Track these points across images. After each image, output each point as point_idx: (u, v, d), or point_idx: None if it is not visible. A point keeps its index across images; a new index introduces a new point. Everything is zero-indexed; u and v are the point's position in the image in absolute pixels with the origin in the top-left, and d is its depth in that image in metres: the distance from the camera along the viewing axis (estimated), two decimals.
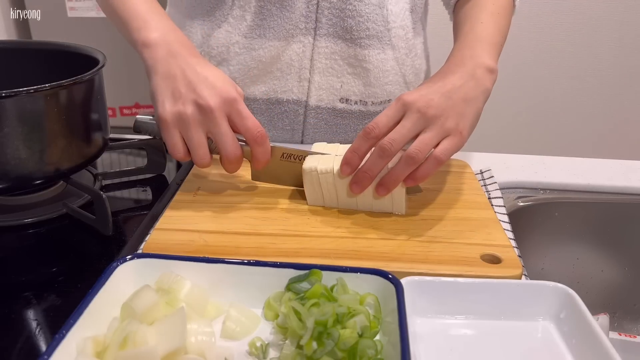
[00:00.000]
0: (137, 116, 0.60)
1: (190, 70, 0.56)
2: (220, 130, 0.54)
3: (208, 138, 0.56)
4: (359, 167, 0.56)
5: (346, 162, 0.56)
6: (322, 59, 0.77)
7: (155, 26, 0.59)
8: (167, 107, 0.55)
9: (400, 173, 0.54)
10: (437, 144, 0.54)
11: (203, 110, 0.54)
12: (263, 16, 0.74)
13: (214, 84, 0.55)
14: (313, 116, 0.81)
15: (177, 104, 0.54)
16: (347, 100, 0.80)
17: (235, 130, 0.56)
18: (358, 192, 0.56)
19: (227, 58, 0.77)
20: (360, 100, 0.80)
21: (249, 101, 0.81)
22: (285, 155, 0.61)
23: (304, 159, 0.60)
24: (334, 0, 0.73)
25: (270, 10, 0.74)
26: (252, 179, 0.64)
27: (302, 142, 0.84)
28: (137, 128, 0.60)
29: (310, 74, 0.77)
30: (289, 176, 0.63)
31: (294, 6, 0.73)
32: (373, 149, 0.55)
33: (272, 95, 0.80)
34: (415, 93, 0.55)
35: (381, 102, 0.81)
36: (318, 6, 0.73)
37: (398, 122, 0.54)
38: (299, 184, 0.61)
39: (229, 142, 0.55)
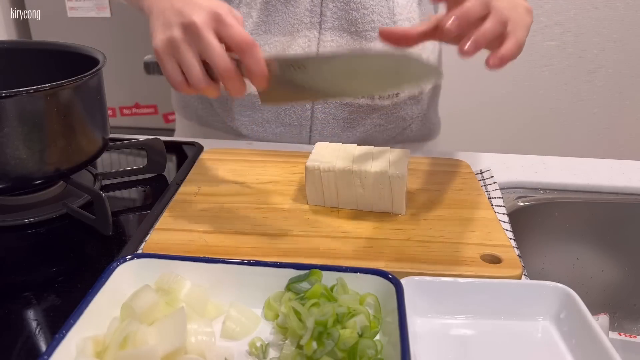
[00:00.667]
0: (146, 57, 0.59)
1: (178, 0, 0.55)
2: (205, 43, 0.52)
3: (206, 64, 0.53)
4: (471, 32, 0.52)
5: (455, 18, 0.51)
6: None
7: None
8: (158, 37, 0.54)
9: (492, 29, 0.52)
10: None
11: (188, 28, 0.52)
12: (268, 12, 0.75)
13: (200, 3, 0.53)
14: (320, 111, 0.81)
15: (166, 31, 0.53)
16: None
17: (225, 45, 0.53)
18: (471, 53, 0.52)
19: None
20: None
21: (256, 97, 0.80)
22: (283, 65, 0.54)
23: (304, 68, 0.54)
24: None
25: (275, 6, 0.74)
26: (262, 102, 0.58)
27: (310, 140, 0.83)
28: (147, 67, 0.59)
29: None
30: (297, 89, 0.55)
31: (298, 0, 0.74)
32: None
33: None
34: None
35: (388, 95, 0.80)
36: (322, 0, 0.74)
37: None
38: (311, 95, 0.59)
39: (214, 53, 0.52)
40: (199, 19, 0.52)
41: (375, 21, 0.75)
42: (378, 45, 0.76)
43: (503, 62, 0.54)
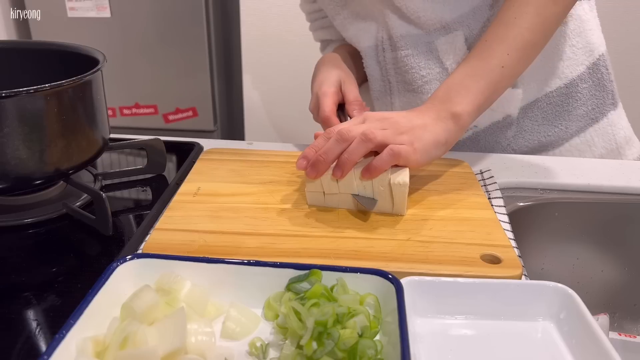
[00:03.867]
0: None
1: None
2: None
3: None
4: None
5: (303, 156, 0.58)
6: None
7: (325, 66, 0.80)
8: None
9: (355, 152, 0.56)
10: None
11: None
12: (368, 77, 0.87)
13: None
14: None
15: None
16: None
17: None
18: (313, 177, 0.58)
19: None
20: None
21: None
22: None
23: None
24: (393, 60, 0.81)
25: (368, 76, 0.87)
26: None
27: None
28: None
29: None
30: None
31: (373, 76, 0.85)
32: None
33: None
34: (380, 112, 0.62)
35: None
36: (387, 70, 0.83)
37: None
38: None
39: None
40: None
41: (426, 75, 0.80)
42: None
43: (372, 174, 0.57)
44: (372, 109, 0.88)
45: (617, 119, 0.84)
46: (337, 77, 0.76)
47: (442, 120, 0.60)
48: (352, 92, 0.75)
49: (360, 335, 0.40)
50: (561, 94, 0.81)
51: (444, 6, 0.75)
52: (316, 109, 0.75)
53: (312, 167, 0.57)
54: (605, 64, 0.81)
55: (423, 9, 0.75)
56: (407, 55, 0.79)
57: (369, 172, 0.57)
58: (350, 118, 0.74)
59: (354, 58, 0.87)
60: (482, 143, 0.84)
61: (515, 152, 0.84)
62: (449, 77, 0.64)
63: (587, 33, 0.79)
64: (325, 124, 0.72)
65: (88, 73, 0.58)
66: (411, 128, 0.58)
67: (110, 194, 0.67)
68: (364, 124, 0.59)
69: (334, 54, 0.84)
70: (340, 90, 0.76)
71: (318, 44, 0.99)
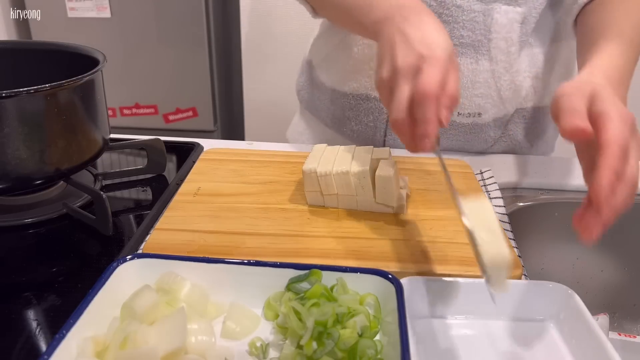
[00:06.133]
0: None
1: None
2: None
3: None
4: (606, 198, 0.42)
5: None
6: None
7: (378, 6, 0.56)
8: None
9: (624, 200, 0.42)
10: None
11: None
12: None
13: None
14: None
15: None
16: None
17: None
18: (594, 235, 0.42)
19: (338, 51, 0.81)
20: None
21: (342, 96, 0.83)
22: None
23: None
24: (434, 4, 0.71)
25: None
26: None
27: (384, 142, 0.83)
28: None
29: None
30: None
31: None
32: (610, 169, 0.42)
33: (362, 92, 0.80)
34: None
35: (469, 114, 0.77)
36: None
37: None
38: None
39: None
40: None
41: (465, 37, 0.72)
42: (464, 61, 0.72)
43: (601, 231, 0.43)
44: (368, 49, 0.76)
45: None
46: (450, 45, 0.51)
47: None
48: (454, 79, 0.50)
49: (360, 335, 0.40)
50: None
51: None
52: (411, 73, 0.48)
53: (589, 230, 0.42)
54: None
55: None
56: (457, 5, 0.70)
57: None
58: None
59: None
60: (470, 135, 0.81)
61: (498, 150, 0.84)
62: (613, 58, 0.55)
63: None
64: (423, 103, 0.46)
65: (88, 73, 0.58)
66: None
67: (111, 194, 0.67)
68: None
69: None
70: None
71: None
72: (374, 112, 0.81)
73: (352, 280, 0.44)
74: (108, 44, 1.78)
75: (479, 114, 0.77)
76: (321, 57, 0.86)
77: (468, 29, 0.71)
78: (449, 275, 0.48)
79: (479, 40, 0.72)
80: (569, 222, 0.72)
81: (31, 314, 0.46)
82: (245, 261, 0.45)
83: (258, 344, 0.41)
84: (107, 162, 0.76)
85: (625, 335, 0.65)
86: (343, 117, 0.85)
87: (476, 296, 0.45)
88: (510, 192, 0.72)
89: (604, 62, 0.55)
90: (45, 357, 0.34)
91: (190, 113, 1.90)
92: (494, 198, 0.65)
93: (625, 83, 0.55)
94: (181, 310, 0.40)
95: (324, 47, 0.85)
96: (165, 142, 0.72)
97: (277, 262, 0.45)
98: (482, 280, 0.46)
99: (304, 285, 0.44)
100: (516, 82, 0.75)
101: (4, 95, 0.51)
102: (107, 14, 1.75)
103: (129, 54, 1.80)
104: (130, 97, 1.87)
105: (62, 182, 0.66)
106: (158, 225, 0.56)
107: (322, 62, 0.86)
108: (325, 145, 0.63)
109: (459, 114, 0.77)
